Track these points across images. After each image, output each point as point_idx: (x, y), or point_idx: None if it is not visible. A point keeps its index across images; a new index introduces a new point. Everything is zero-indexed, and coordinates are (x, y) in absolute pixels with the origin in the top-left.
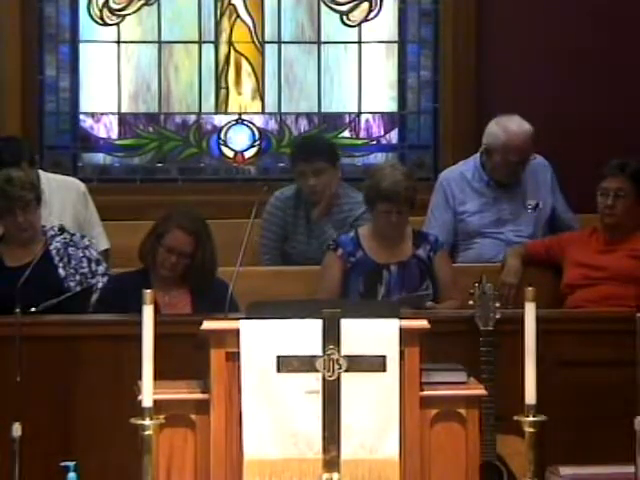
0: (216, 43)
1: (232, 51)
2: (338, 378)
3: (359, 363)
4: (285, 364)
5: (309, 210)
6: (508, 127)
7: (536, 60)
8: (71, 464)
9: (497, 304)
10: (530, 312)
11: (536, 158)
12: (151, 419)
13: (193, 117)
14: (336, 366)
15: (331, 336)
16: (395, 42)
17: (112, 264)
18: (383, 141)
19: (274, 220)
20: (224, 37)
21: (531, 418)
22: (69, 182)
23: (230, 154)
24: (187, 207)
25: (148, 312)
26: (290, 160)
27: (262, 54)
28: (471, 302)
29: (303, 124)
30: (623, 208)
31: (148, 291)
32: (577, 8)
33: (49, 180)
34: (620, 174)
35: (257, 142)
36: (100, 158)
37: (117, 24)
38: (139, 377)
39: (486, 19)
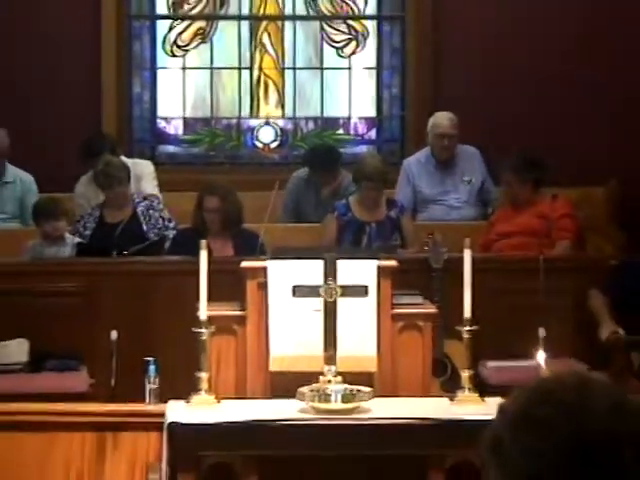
0: (251, 69)
1: (262, 75)
2: (335, 301)
3: (349, 290)
4: (298, 291)
5: (318, 189)
6: (436, 115)
7: (488, 79)
8: (151, 359)
9: (444, 249)
10: (467, 256)
11: (463, 145)
12: (206, 328)
13: (235, 120)
14: (333, 292)
15: (330, 272)
16: (374, 68)
17: (178, 222)
18: (366, 137)
19: (290, 194)
20: (256, 65)
21: (467, 327)
22: (142, 163)
23: (260, 146)
24: (209, 181)
25: (203, 255)
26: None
27: (282, 77)
28: (426, 248)
29: (310, 125)
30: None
31: (203, 240)
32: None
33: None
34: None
35: (279, 137)
36: (171, 148)
37: (183, 56)
38: (197, 299)
39: (444, 50)
